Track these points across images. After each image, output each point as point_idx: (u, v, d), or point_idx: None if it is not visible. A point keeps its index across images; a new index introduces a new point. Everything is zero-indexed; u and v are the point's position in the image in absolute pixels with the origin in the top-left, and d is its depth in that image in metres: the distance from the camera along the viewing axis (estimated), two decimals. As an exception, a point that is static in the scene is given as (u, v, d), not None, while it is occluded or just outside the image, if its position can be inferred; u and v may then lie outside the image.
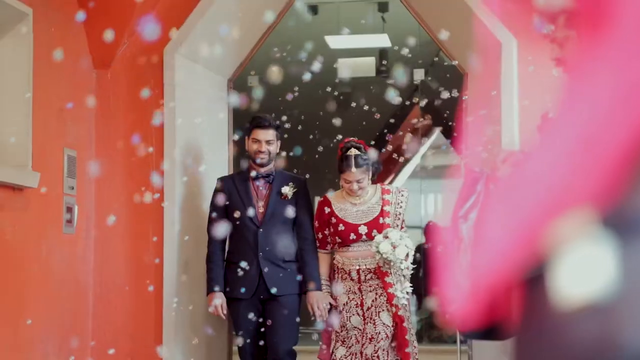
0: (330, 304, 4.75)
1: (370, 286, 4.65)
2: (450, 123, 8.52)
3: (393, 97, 4.46)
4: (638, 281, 0.64)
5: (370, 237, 4.64)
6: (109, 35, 3.54)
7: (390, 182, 9.36)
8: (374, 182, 4.82)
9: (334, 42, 7.91)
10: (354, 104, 6.61)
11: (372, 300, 4.64)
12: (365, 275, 4.66)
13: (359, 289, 4.67)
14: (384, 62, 8.12)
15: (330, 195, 4.83)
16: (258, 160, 4.81)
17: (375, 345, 4.58)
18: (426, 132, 9.83)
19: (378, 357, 4.56)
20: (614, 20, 0.68)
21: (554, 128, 0.70)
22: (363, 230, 4.67)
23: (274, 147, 4.84)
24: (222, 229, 4.60)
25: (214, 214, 4.77)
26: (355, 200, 4.74)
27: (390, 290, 4.60)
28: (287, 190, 4.81)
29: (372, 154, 4.71)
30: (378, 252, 4.53)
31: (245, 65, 5.69)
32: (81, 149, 5.03)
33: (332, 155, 5.16)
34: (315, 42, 7.51)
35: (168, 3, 5.19)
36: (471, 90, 5.28)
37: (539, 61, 4.73)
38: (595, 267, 0.66)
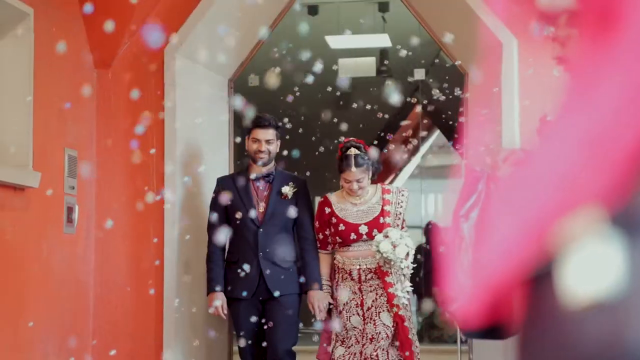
0: (330, 304, 4.75)
1: (370, 286, 4.66)
2: (450, 122, 8.51)
3: (391, 97, 4.47)
4: None
5: (370, 237, 4.64)
6: (109, 26, 3.54)
7: (391, 182, 9.36)
8: (374, 182, 4.83)
9: (335, 42, 7.92)
10: (355, 106, 6.60)
11: (373, 301, 4.64)
12: (366, 275, 4.66)
13: (359, 289, 4.67)
14: (386, 62, 8.12)
15: (331, 195, 4.83)
16: (258, 161, 4.81)
17: (375, 345, 4.58)
18: (426, 132, 9.83)
19: (377, 356, 4.56)
20: (621, 21, 0.68)
21: (562, 126, 0.70)
22: (363, 230, 4.67)
23: (274, 147, 4.84)
24: (222, 235, 4.60)
25: (214, 214, 4.77)
26: (355, 200, 4.74)
27: (390, 290, 4.60)
28: (287, 190, 4.81)
29: (373, 153, 4.71)
30: (378, 251, 4.54)
31: (246, 66, 5.69)
32: (82, 149, 5.03)
33: (332, 155, 5.16)
34: (315, 42, 7.51)
35: (169, 3, 5.19)
36: (472, 90, 5.28)
37: (540, 62, 4.74)
38: (603, 266, 0.65)
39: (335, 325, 4.63)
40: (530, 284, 0.71)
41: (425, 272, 8.64)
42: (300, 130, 6.27)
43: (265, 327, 4.74)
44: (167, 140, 5.12)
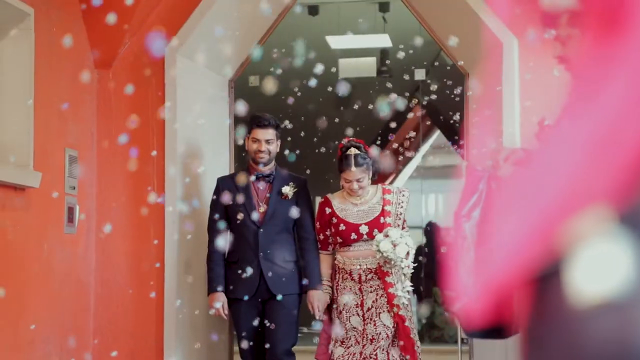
0: (333, 305, 4.75)
1: (371, 286, 4.65)
2: (451, 122, 8.51)
3: (385, 111, 4.50)
4: None
5: (371, 237, 4.64)
6: (111, 18, 3.54)
7: (391, 183, 9.36)
8: (374, 182, 4.83)
9: (335, 42, 7.92)
10: (356, 107, 6.60)
11: (373, 301, 4.64)
12: (366, 275, 4.66)
13: (360, 289, 4.67)
14: (388, 61, 8.12)
15: (331, 195, 4.84)
16: (259, 162, 4.81)
17: (375, 345, 4.58)
18: (427, 133, 9.83)
19: (376, 355, 4.56)
20: (625, 22, 0.68)
21: (567, 126, 0.70)
22: (364, 229, 4.67)
23: (274, 147, 4.84)
24: (222, 241, 4.60)
25: (214, 214, 4.77)
26: (356, 201, 4.74)
27: (390, 290, 4.60)
28: (288, 190, 4.81)
29: (374, 151, 4.72)
30: (378, 250, 4.54)
31: (247, 65, 5.69)
32: (83, 149, 5.04)
33: (332, 156, 5.16)
34: (316, 42, 7.52)
35: (169, 4, 5.19)
36: (472, 90, 5.28)
37: (541, 62, 4.74)
38: (610, 265, 0.65)
39: (338, 330, 4.63)
40: (537, 283, 0.71)
41: (425, 273, 8.64)
42: (300, 131, 6.27)
43: (265, 327, 4.74)
44: (167, 141, 5.12)
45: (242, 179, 4.81)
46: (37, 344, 4.50)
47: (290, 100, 4.88)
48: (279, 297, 4.67)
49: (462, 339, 5.79)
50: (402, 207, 4.76)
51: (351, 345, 4.64)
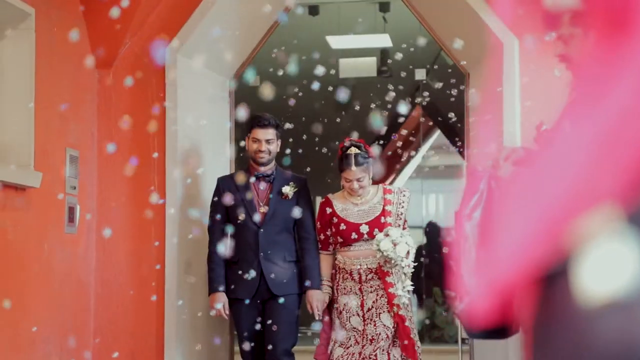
0: (328, 303, 4.75)
1: (371, 287, 4.65)
2: (451, 122, 8.51)
3: (379, 125, 4.50)
4: None
5: (371, 236, 4.64)
6: (115, 12, 3.55)
7: (391, 183, 9.36)
8: (375, 182, 4.83)
9: (335, 42, 7.92)
10: (357, 108, 6.60)
11: (373, 302, 4.64)
12: (367, 275, 4.66)
13: (360, 289, 4.67)
14: (389, 61, 8.12)
15: (332, 195, 4.84)
16: (259, 162, 4.81)
17: (375, 346, 4.58)
18: (426, 133, 9.83)
19: (376, 356, 4.56)
20: (631, 22, 0.67)
21: (574, 126, 0.70)
22: (364, 229, 4.67)
23: (274, 147, 4.84)
24: (223, 247, 4.60)
25: (215, 215, 4.77)
26: (356, 200, 4.74)
27: (391, 290, 4.60)
28: (288, 189, 4.80)
29: (375, 150, 4.72)
30: (379, 249, 4.54)
31: (247, 65, 5.69)
32: (83, 149, 5.04)
33: (332, 156, 5.16)
34: (316, 42, 7.52)
35: (170, 4, 5.19)
36: (473, 90, 5.28)
37: (541, 62, 4.74)
38: (618, 264, 0.65)
39: (340, 334, 4.63)
40: (543, 282, 0.71)
41: (426, 273, 8.64)
42: (300, 131, 6.27)
43: (265, 327, 4.73)
44: (168, 141, 5.11)
45: (241, 177, 4.80)
46: (38, 344, 4.50)
47: (291, 100, 4.88)
48: (281, 300, 4.66)
49: (462, 339, 5.79)
50: (403, 207, 4.76)
51: (351, 346, 4.64)
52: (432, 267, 8.68)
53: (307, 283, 4.71)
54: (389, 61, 8.11)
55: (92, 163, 5.12)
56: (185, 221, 5.09)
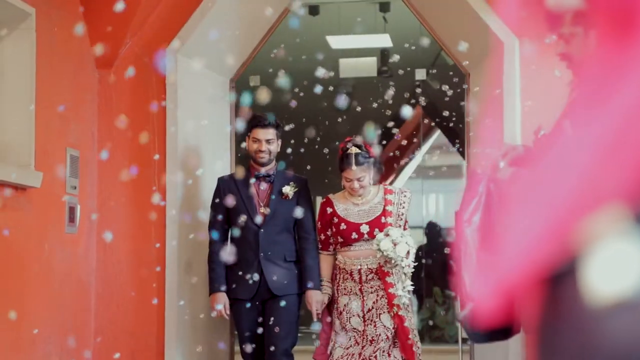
0: (328, 303, 4.75)
1: (371, 287, 4.65)
2: (451, 122, 8.51)
3: (373, 137, 4.54)
4: None
5: (371, 236, 4.64)
6: (119, 6, 3.55)
7: (391, 183, 9.36)
8: (376, 182, 4.83)
9: (336, 42, 7.92)
10: (359, 109, 6.60)
11: (373, 302, 4.64)
12: (367, 276, 4.66)
13: (360, 289, 4.67)
14: (390, 60, 8.12)
15: (333, 196, 4.84)
16: (259, 162, 4.81)
17: (375, 347, 4.58)
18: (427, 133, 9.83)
19: (375, 357, 4.56)
20: (638, 23, 0.67)
21: (581, 126, 0.70)
22: (365, 229, 4.67)
23: (275, 146, 4.84)
24: (225, 255, 4.60)
25: (215, 215, 4.76)
26: (357, 200, 4.74)
27: (391, 290, 4.60)
28: (288, 189, 4.80)
29: (375, 150, 4.72)
30: (379, 249, 4.54)
31: (247, 65, 5.69)
32: (84, 149, 5.04)
33: (333, 156, 5.16)
34: (316, 42, 7.52)
35: (170, 3, 5.19)
36: (473, 90, 5.28)
37: (542, 62, 4.74)
38: (626, 264, 0.65)
39: (341, 338, 4.62)
40: (549, 282, 0.71)
41: (426, 273, 8.64)
42: (301, 131, 6.27)
43: (265, 327, 4.73)
44: (168, 141, 5.11)
45: (240, 172, 4.81)
46: (38, 344, 4.50)
47: (290, 99, 4.88)
48: (282, 301, 4.66)
49: (463, 339, 5.79)
50: (403, 207, 4.76)
51: (351, 346, 4.64)
52: (432, 267, 8.68)
53: (307, 284, 4.71)
54: (389, 61, 8.11)
55: (92, 163, 5.12)
56: (186, 222, 5.09)
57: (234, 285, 4.76)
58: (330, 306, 4.79)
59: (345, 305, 4.68)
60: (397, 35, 7.64)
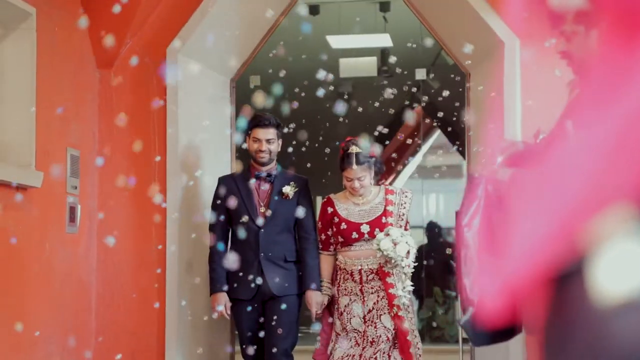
0: (328, 304, 4.75)
1: (372, 288, 4.65)
2: (451, 122, 8.51)
3: (367, 148, 4.56)
4: None
5: (372, 236, 4.64)
6: (116, 8, 3.56)
7: (391, 183, 9.36)
8: (377, 182, 4.83)
9: (336, 42, 7.92)
10: (360, 110, 6.61)
11: (374, 303, 4.63)
12: (367, 276, 4.65)
13: (361, 290, 4.66)
14: (390, 60, 8.12)
15: (333, 195, 4.84)
16: (260, 161, 4.81)
17: (375, 348, 4.57)
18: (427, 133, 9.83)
19: (376, 359, 4.56)
20: None
21: (588, 126, 0.70)
22: (365, 229, 4.67)
23: (275, 146, 4.83)
24: (229, 263, 4.60)
25: (216, 214, 4.76)
26: (358, 200, 4.74)
27: (391, 290, 4.60)
28: (289, 189, 4.80)
29: (376, 150, 4.72)
30: (379, 249, 4.54)
31: (248, 65, 5.69)
32: (84, 149, 5.04)
33: (333, 156, 5.16)
34: (316, 42, 7.51)
35: (170, 3, 5.19)
36: (473, 90, 5.28)
37: (542, 62, 4.74)
38: (634, 264, 0.65)
39: (344, 344, 4.62)
40: (556, 283, 0.71)
41: (426, 273, 8.64)
42: (301, 131, 6.26)
43: (265, 327, 4.73)
44: (169, 141, 5.11)
45: (240, 171, 4.81)
46: (39, 344, 4.50)
47: (291, 99, 4.88)
48: (282, 303, 4.65)
49: (463, 339, 5.78)
50: (404, 208, 4.76)
51: (351, 347, 4.64)
52: (432, 267, 8.68)
53: (307, 284, 4.71)
54: (389, 61, 8.11)
55: (93, 163, 5.12)
56: (187, 222, 5.09)
57: (235, 285, 4.75)
58: (331, 306, 4.79)
59: (346, 306, 4.68)
60: (397, 35, 7.64)
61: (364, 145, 4.69)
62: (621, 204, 0.67)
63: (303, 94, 5.78)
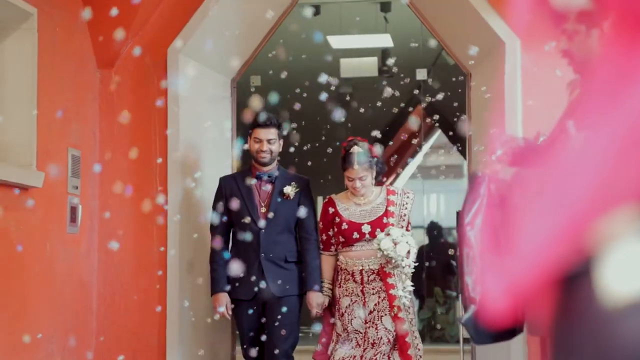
0: (329, 304, 4.74)
1: (373, 288, 4.64)
2: (452, 122, 8.51)
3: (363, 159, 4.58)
4: None
5: (373, 236, 4.64)
6: (114, 12, 3.56)
7: (392, 183, 9.36)
8: (379, 183, 4.83)
9: (337, 42, 7.92)
10: (362, 110, 6.60)
11: (375, 304, 4.62)
12: (368, 277, 4.65)
13: (362, 290, 4.66)
14: (392, 60, 8.12)
15: (335, 196, 4.84)
16: (261, 161, 4.81)
17: (376, 350, 4.57)
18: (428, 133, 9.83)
19: (376, 360, 4.56)
20: None
21: (594, 127, 0.70)
22: (366, 229, 4.67)
23: (276, 146, 4.83)
24: (232, 271, 4.60)
25: (217, 215, 4.75)
26: (359, 201, 4.74)
27: (392, 291, 4.59)
28: (290, 190, 4.79)
29: (378, 150, 4.72)
30: (379, 248, 4.54)
31: (249, 65, 5.69)
32: (85, 149, 5.04)
33: (334, 156, 5.16)
34: (317, 42, 7.51)
35: (171, 3, 5.19)
36: (474, 90, 5.28)
37: (543, 62, 4.74)
38: None
39: (346, 348, 4.61)
40: (564, 283, 0.71)
41: (427, 273, 8.64)
42: (301, 131, 6.26)
43: (266, 328, 4.72)
44: (169, 141, 5.11)
45: (241, 170, 4.81)
46: (40, 344, 4.50)
47: (292, 100, 4.88)
48: (283, 305, 4.65)
49: (464, 339, 5.78)
50: (406, 208, 4.75)
51: (352, 348, 4.63)
52: (433, 267, 8.68)
53: (308, 285, 4.71)
54: (390, 61, 8.11)
55: (93, 163, 5.12)
56: (188, 223, 5.09)
57: (237, 284, 4.75)
58: (332, 307, 4.78)
59: (347, 307, 4.67)
60: (398, 35, 7.64)
61: (365, 146, 4.70)
62: (628, 205, 0.66)
63: (305, 95, 5.78)
